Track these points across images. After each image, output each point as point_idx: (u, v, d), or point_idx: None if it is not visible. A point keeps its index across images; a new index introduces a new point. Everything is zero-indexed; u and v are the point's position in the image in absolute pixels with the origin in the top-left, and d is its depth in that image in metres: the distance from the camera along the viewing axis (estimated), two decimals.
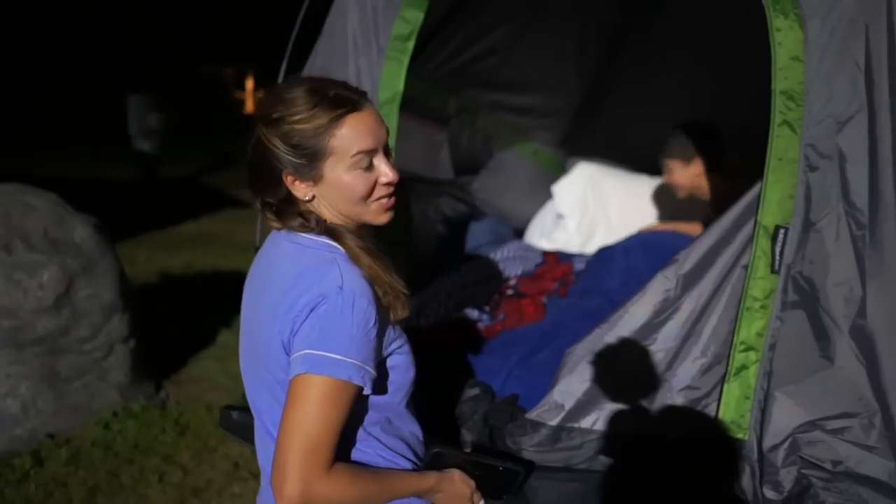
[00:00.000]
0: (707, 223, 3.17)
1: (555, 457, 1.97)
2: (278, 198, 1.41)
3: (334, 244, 1.38)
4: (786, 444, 1.81)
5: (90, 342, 3.61)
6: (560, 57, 4.04)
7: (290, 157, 1.35)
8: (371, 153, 1.37)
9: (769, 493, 1.81)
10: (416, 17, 2.42)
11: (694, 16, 3.66)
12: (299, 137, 1.34)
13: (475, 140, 4.06)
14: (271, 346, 1.35)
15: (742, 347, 1.89)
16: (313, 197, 1.39)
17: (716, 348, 1.95)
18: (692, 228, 3.24)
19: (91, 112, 15.65)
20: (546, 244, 3.77)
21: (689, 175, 3.15)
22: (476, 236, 3.76)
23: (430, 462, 1.49)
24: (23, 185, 3.79)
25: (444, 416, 2.13)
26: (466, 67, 3.72)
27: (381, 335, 1.34)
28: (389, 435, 1.44)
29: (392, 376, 1.41)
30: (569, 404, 1.99)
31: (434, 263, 3.47)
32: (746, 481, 1.87)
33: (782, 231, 1.84)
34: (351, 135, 1.35)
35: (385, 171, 1.39)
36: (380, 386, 1.38)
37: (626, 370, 2.02)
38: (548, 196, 3.99)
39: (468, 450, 2.00)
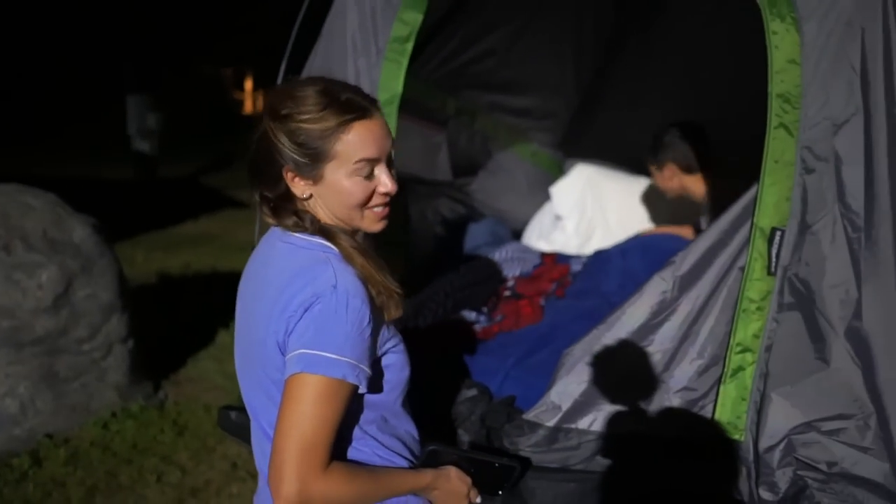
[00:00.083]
0: (699, 225, 3.21)
1: (552, 457, 1.97)
2: (276, 193, 1.42)
3: (328, 244, 1.39)
4: (781, 446, 1.82)
5: (89, 342, 3.62)
6: (558, 59, 4.04)
7: (294, 155, 1.36)
8: (373, 162, 1.38)
9: (765, 494, 1.82)
10: (415, 18, 2.42)
11: (691, 18, 3.67)
12: (305, 136, 1.35)
13: (474, 141, 4.07)
14: (266, 346, 1.36)
15: (738, 349, 1.90)
16: (311, 196, 1.40)
17: (712, 350, 1.96)
18: (687, 232, 3.27)
19: (90, 112, 15.66)
20: (544, 245, 3.78)
21: (664, 179, 3.20)
22: (474, 237, 3.76)
23: (426, 459, 1.50)
24: (22, 186, 3.79)
25: (441, 417, 2.13)
26: (465, 69, 3.73)
27: (375, 334, 1.34)
28: (386, 434, 1.45)
29: (387, 375, 1.42)
30: (566, 405, 2.00)
31: (432, 264, 3.48)
32: (742, 482, 1.88)
33: (779, 233, 1.85)
34: (356, 141, 1.36)
35: (384, 182, 1.40)
36: (375, 385, 1.39)
37: (623, 371, 2.03)
38: (546, 197, 4.00)
39: (464, 447, 2.01)
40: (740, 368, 1.90)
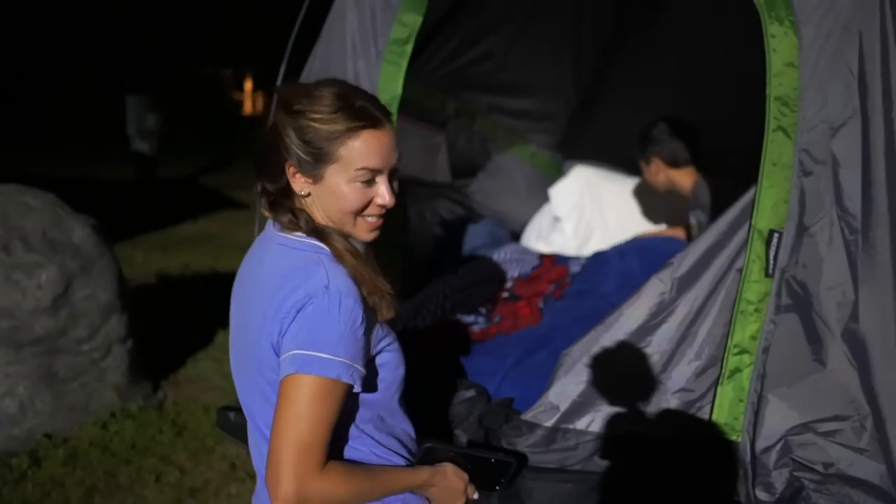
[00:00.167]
0: (688, 219, 3.25)
1: (550, 458, 1.98)
2: (277, 187, 1.43)
3: (320, 245, 1.40)
4: (778, 447, 1.83)
5: (88, 342, 3.62)
6: (557, 60, 4.05)
7: (299, 151, 1.37)
8: (375, 172, 1.39)
9: (762, 495, 1.83)
10: (415, 20, 2.43)
11: (690, 20, 3.68)
12: (313, 135, 1.36)
13: (473, 143, 4.07)
14: (261, 347, 1.37)
15: (736, 350, 1.91)
16: (309, 194, 1.41)
17: (710, 351, 1.96)
18: (680, 233, 3.31)
19: (89, 112, 15.67)
20: (543, 247, 3.78)
21: (652, 173, 3.27)
22: (473, 238, 3.77)
23: (422, 457, 1.51)
24: (21, 186, 3.80)
25: (439, 417, 2.14)
26: (464, 70, 3.74)
27: (368, 333, 1.35)
28: (382, 432, 1.46)
29: (382, 374, 1.43)
30: (564, 405, 2.00)
31: (431, 265, 3.48)
32: (739, 483, 1.89)
33: (776, 235, 1.85)
34: (362, 149, 1.37)
35: (383, 193, 1.40)
36: (370, 384, 1.40)
37: (621, 372, 2.04)
38: (545, 199, 4.00)
39: (461, 444, 2.01)
40: (738, 370, 1.91)
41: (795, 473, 1.81)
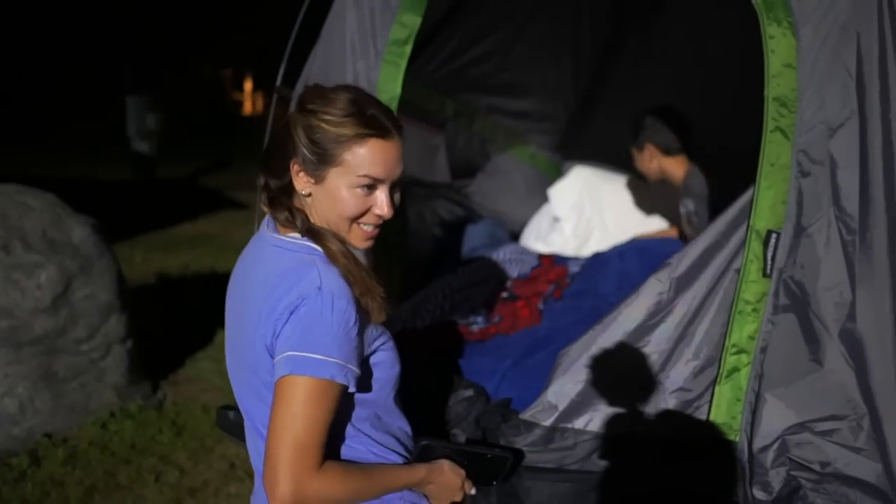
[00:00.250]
0: (678, 210, 3.27)
1: (548, 457, 1.98)
2: (279, 184, 1.44)
3: (314, 246, 1.40)
4: (775, 446, 1.83)
5: (87, 342, 3.63)
6: (556, 61, 4.06)
7: (305, 150, 1.38)
8: (377, 181, 1.40)
9: (759, 494, 1.83)
10: (414, 21, 2.43)
11: (689, 21, 3.69)
12: (321, 136, 1.37)
13: (472, 143, 4.08)
14: (255, 348, 1.37)
15: (734, 350, 1.91)
16: (310, 194, 1.42)
17: (708, 351, 1.97)
18: (673, 233, 3.34)
19: (89, 113, 15.67)
20: (542, 247, 3.79)
21: (645, 161, 3.34)
22: (472, 239, 3.77)
23: (419, 454, 1.52)
24: (21, 186, 3.80)
25: (438, 417, 2.14)
26: (463, 71, 3.74)
27: (362, 333, 1.36)
28: (379, 431, 1.47)
29: (377, 373, 1.44)
30: (562, 405, 2.01)
31: (430, 266, 3.49)
32: (737, 482, 1.89)
33: (774, 235, 1.86)
34: (366, 156, 1.38)
35: (381, 204, 1.41)
36: (365, 383, 1.41)
37: (619, 372, 2.04)
38: (544, 199, 4.01)
39: (459, 442, 2.02)
40: (735, 369, 1.91)
41: (792, 473, 1.81)
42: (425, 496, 1.51)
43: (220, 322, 1.53)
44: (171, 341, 4.64)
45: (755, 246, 1.89)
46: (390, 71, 2.43)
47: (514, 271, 3.38)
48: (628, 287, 2.39)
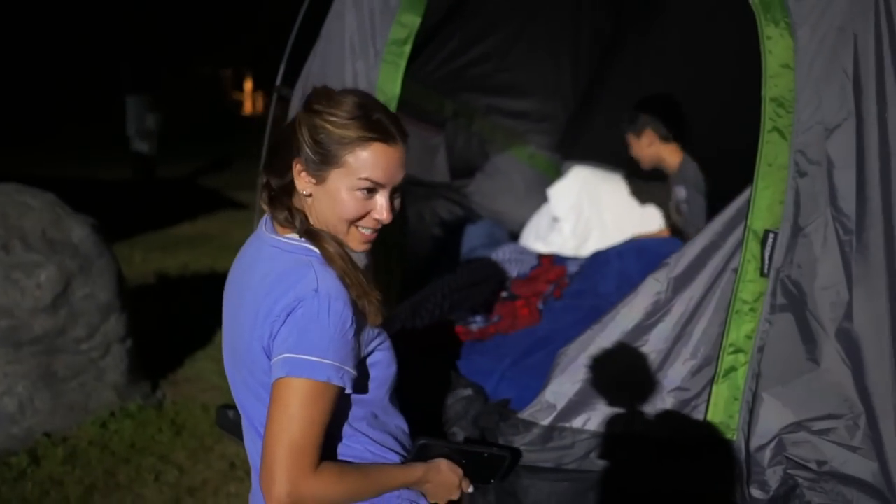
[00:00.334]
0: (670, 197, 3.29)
1: (546, 456, 1.99)
2: (281, 183, 1.45)
3: (311, 247, 1.40)
4: (772, 445, 1.84)
5: (87, 342, 3.63)
6: (555, 62, 4.07)
7: (308, 150, 1.39)
8: (377, 185, 1.40)
9: (756, 493, 1.84)
10: (413, 21, 2.44)
11: (688, 22, 3.70)
12: (324, 136, 1.38)
13: (471, 143, 4.09)
14: (252, 350, 1.38)
15: (731, 349, 1.92)
16: (310, 194, 1.42)
17: (705, 350, 1.98)
18: (665, 234, 3.37)
19: (89, 113, 15.66)
20: (541, 247, 3.80)
21: (642, 147, 3.34)
22: (471, 239, 3.78)
23: (416, 454, 1.52)
24: (20, 185, 3.80)
25: (436, 416, 2.15)
26: (463, 71, 3.75)
27: (358, 335, 1.36)
28: (376, 430, 1.47)
29: (374, 373, 1.44)
30: (560, 404, 2.02)
31: (430, 265, 3.50)
32: (734, 481, 1.90)
33: (772, 235, 1.87)
34: (368, 160, 1.38)
35: (380, 208, 1.42)
36: (362, 383, 1.41)
37: (617, 371, 2.05)
38: (543, 199, 4.02)
39: (456, 441, 2.02)
40: (733, 369, 1.92)
41: (789, 471, 1.82)
42: (423, 494, 1.52)
43: (219, 322, 1.53)
44: (171, 341, 4.64)
45: (753, 246, 1.89)
46: (389, 71, 2.44)
47: (513, 271, 3.39)
48: (628, 287, 2.40)
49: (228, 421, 2.33)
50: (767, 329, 1.88)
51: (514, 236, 4.02)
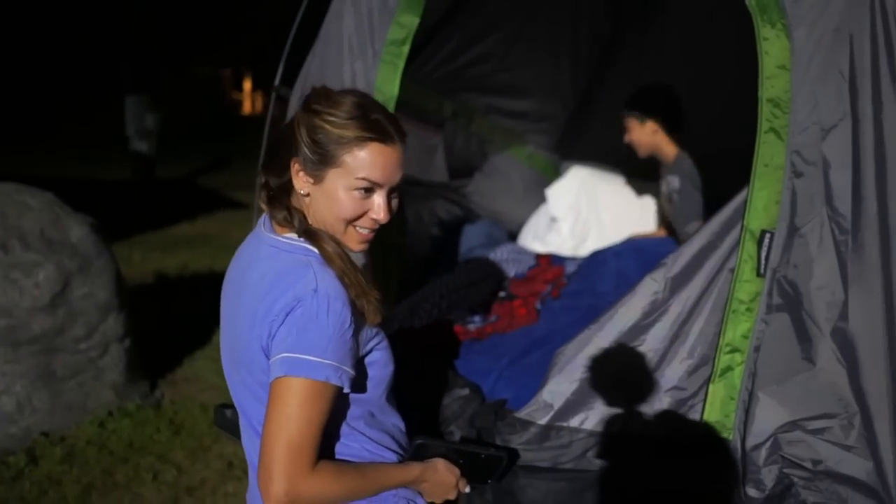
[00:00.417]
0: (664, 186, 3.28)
1: (543, 455, 1.99)
2: (279, 182, 1.45)
3: (310, 247, 1.41)
4: (768, 444, 1.85)
5: (85, 341, 3.63)
6: (554, 62, 4.08)
7: (306, 149, 1.39)
8: (375, 185, 1.40)
9: (752, 492, 1.85)
10: (412, 21, 2.44)
11: (686, 23, 3.70)
12: (323, 136, 1.38)
13: (470, 143, 4.09)
14: (251, 349, 1.38)
15: (728, 349, 1.93)
16: (308, 194, 1.43)
17: (702, 350, 1.98)
18: (662, 234, 3.37)
19: (88, 112, 15.66)
20: (539, 247, 3.80)
21: (645, 133, 3.33)
22: (470, 239, 3.79)
23: (414, 453, 1.53)
24: (19, 185, 3.81)
25: (434, 416, 2.15)
26: (462, 71, 3.76)
27: (357, 335, 1.37)
28: (373, 429, 1.48)
29: (371, 372, 1.45)
30: (558, 403, 2.02)
31: (428, 265, 3.50)
32: (730, 480, 1.90)
33: (768, 235, 1.87)
34: (366, 159, 1.38)
35: (378, 208, 1.42)
36: (360, 382, 1.42)
37: (614, 371, 2.05)
38: (541, 199, 4.02)
39: (453, 440, 2.03)
40: (729, 368, 1.92)
41: (785, 470, 1.83)
42: (420, 494, 1.52)
43: (217, 321, 1.53)
44: (169, 340, 4.65)
45: (749, 246, 1.90)
46: (388, 71, 2.44)
47: (511, 271, 3.40)
48: (625, 286, 2.40)
49: (226, 420, 2.33)
50: (764, 329, 1.88)
51: (513, 236, 4.02)
